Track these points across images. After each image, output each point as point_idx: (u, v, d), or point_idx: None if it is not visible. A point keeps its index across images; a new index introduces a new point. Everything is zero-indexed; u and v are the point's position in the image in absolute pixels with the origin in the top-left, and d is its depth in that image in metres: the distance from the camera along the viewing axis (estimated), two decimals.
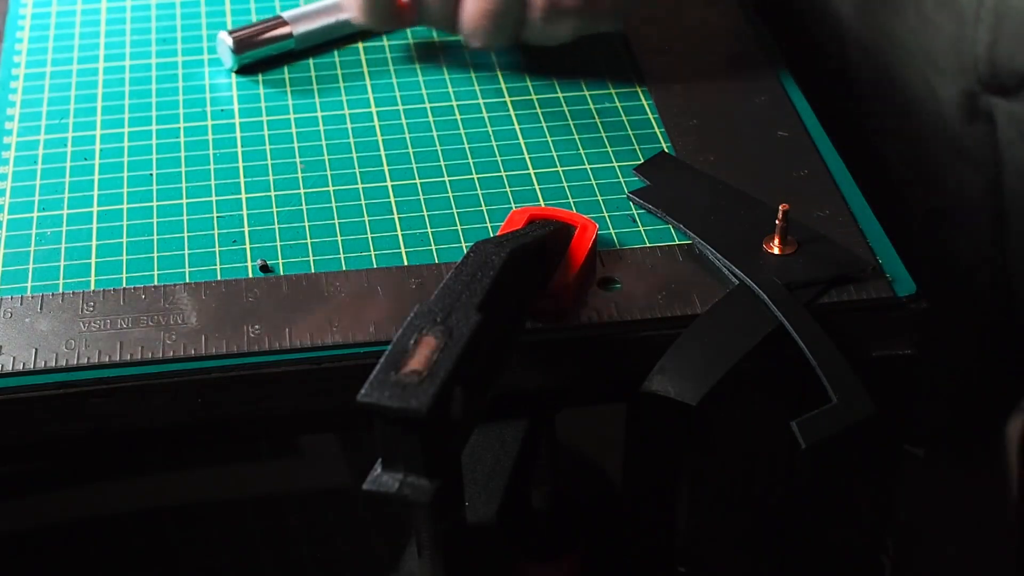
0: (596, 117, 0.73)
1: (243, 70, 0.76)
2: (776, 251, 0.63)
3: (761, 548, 0.69)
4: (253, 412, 0.61)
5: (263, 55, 0.77)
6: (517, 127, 0.73)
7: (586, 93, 0.75)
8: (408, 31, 0.79)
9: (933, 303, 0.63)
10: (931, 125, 0.89)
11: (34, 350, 0.59)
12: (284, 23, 0.77)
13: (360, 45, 0.79)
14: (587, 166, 0.70)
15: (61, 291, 0.62)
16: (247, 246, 0.65)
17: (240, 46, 0.76)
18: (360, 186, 0.69)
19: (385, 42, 0.79)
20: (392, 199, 0.68)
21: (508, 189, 0.68)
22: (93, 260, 0.64)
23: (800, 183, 0.68)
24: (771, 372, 0.61)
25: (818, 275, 0.62)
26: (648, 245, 0.65)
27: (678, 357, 0.58)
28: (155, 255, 0.64)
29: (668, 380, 0.58)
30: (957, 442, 0.95)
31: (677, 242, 0.65)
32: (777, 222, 0.63)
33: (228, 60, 0.76)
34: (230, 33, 0.76)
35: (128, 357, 0.59)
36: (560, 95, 0.75)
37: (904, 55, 0.90)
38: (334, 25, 0.78)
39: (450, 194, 0.68)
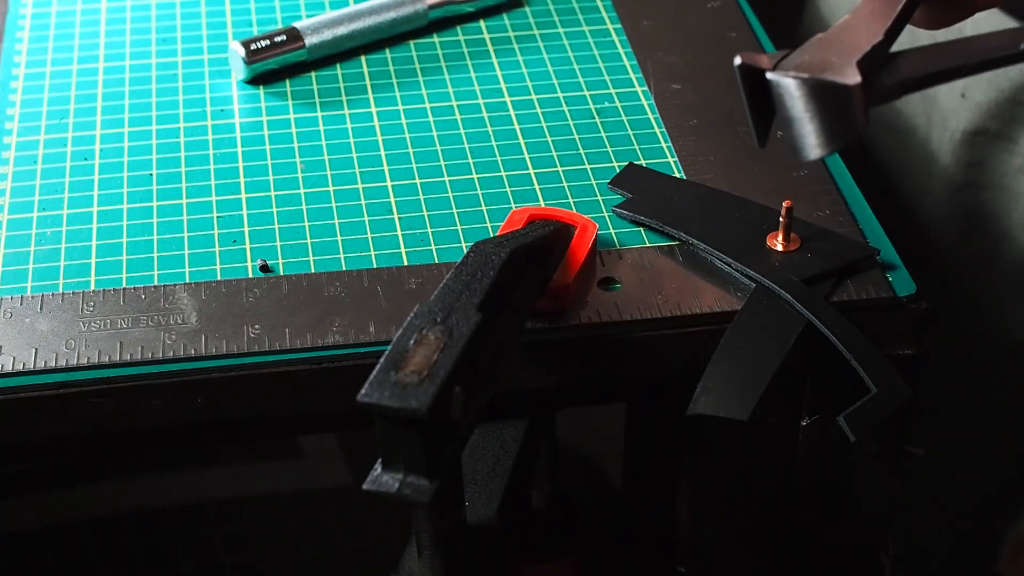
0: (596, 117, 0.73)
1: (252, 79, 0.76)
2: (780, 248, 0.63)
3: (761, 548, 0.69)
4: (253, 412, 0.61)
5: (275, 66, 0.76)
6: (517, 127, 0.73)
7: (586, 93, 0.75)
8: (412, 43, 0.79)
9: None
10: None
11: (34, 350, 0.59)
12: (297, 34, 0.76)
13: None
14: (587, 166, 0.70)
15: (61, 291, 0.62)
16: (247, 246, 0.65)
17: (253, 57, 0.75)
18: (360, 186, 0.69)
19: (387, 47, 0.79)
20: (392, 199, 0.68)
21: (508, 189, 0.69)
22: (93, 260, 0.64)
23: (800, 183, 0.68)
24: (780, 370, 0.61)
25: (828, 267, 0.62)
26: (648, 245, 0.65)
27: (719, 374, 0.58)
28: (155, 255, 0.64)
29: (715, 399, 0.57)
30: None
31: (677, 242, 0.65)
32: (781, 219, 0.63)
33: (240, 70, 0.75)
34: (243, 44, 0.75)
35: (128, 357, 0.59)
36: (560, 95, 0.75)
37: None
38: (346, 36, 0.77)
39: (450, 194, 0.68)
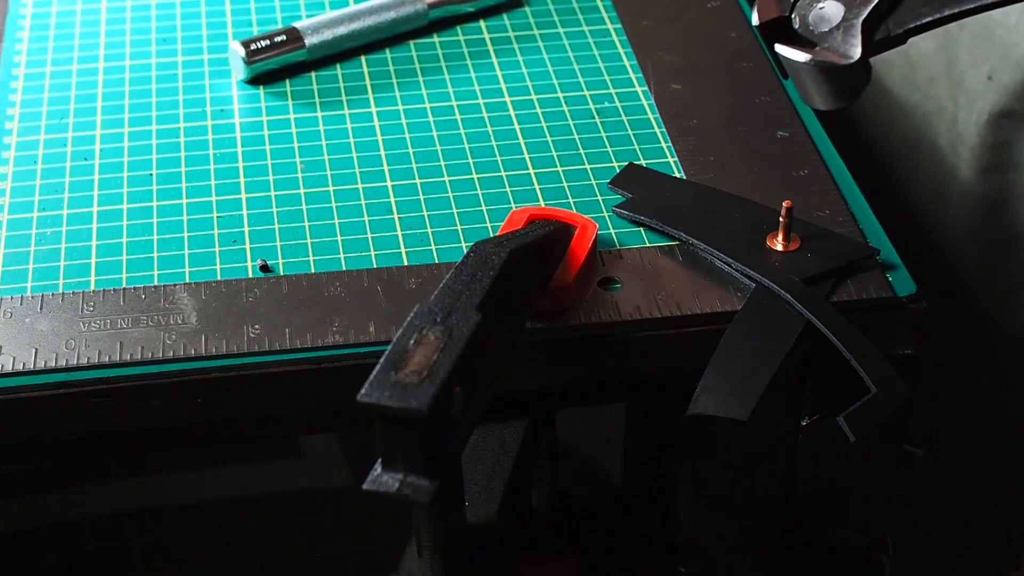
0: (596, 117, 0.73)
1: (252, 79, 0.76)
2: (780, 248, 0.63)
3: (761, 548, 0.69)
4: (253, 412, 0.61)
5: (275, 66, 0.76)
6: (517, 127, 0.73)
7: (586, 93, 0.75)
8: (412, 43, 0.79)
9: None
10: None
11: (34, 350, 0.59)
12: (297, 34, 0.76)
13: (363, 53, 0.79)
14: (587, 166, 0.70)
15: (61, 291, 0.62)
16: (247, 246, 0.65)
17: (253, 57, 0.75)
18: (360, 186, 0.69)
19: (387, 47, 0.79)
20: (392, 199, 0.68)
21: (508, 189, 0.69)
22: (93, 260, 0.64)
23: (800, 183, 0.68)
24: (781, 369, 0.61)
25: (828, 267, 0.62)
26: (648, 245, 0.65)
27: (719, 374, 0.58)
28: (155, 255, 0.64)
29: (715, 399, 0.57)
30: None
31: (677, 242, 0.65)
32: (781, 219, 0.63)
33: (240, 70, 0.75)
34: (243, 44, 0.75)
35: (128, 357, 0.59)
36: (560, 95, 0.75)
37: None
38: (346, 36, 0.77)
39: (450, 194, 0.68)
